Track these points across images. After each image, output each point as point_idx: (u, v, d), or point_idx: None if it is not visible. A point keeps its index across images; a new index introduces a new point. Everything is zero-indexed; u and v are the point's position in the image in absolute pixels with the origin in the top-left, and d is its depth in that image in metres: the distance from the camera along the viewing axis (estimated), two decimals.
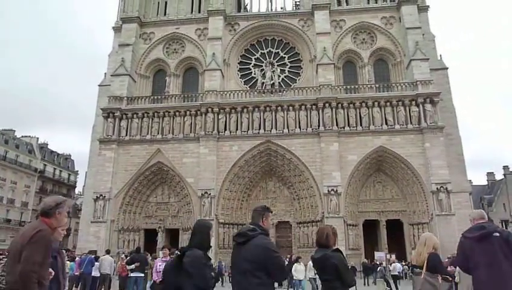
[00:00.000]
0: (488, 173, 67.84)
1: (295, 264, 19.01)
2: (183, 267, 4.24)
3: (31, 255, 3.65)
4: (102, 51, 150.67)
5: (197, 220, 5.23)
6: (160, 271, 12.32)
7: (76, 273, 18.24)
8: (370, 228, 36.74)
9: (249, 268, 4.26)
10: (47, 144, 69.19)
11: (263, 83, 41.55)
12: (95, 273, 17.86)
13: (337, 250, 5.08)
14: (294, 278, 18.72)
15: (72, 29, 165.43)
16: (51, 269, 4.13)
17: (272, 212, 4.93)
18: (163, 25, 44.77)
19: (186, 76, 44.66)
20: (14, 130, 63.78)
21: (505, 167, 61.66)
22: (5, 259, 4.01)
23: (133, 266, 15.73)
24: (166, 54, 44.29)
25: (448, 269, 8.45)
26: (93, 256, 18.79)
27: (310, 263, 17.08)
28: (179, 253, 4.54)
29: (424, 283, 5.59)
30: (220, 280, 29.27)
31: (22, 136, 65.41)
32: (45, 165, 65.95)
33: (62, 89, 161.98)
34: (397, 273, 24.32)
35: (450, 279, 6.24)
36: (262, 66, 43.25)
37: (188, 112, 39.24)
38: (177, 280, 4.26)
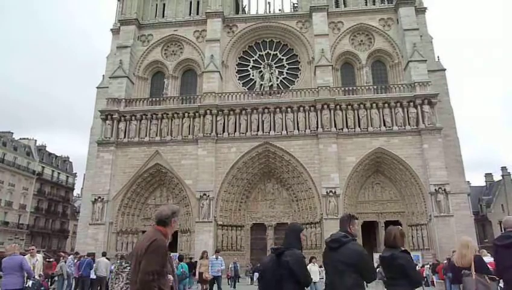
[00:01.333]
0: (486, 174, 67.97)
1: (309, 265, 17.90)
2: (285, 265, 4.72)
3: (149, 265, 3.83)
4: (100, 53, 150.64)
5: (290, 223, 5.76)
6: None
7: (75, 276, 18.18)
8: (369, 229, 36.75)
9: (344, 270, 4.71)
10: (45, 146, 69.07)
11: (261, 84, 41.60)
12: (92, 275, 17.80)
13: (405, 251, 5.35)
14: None
15: (70, 32, 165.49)
16: (170, 276, 4.27)
17: (357, 219, 5.43)
18: (162, 27, 44.78)
19: (185, 78, 44.67)
20: (12, 133, 63.62)
21: (503, 168, 61.80)
22: (129, 268, 4.19)
23: None
24: (164, 56, 44.31)
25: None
26: (91, 258, 18.71)
27: (311, 265, 17.26)
28: (273, 252, 5.07)
29: (478, 284, 5.99)
30: (237, 280, 29.63)
31: (20, 139, 65.27)
32: (43, 167, 65.85)
33: (60, 91, 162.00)
34: None
35: (497, 278, 6.59)
36: (260, 67, 43.32)
37: (186, 114, 39.24)
38: (277, 277, 4.76)
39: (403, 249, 5.34)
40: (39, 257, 12.26)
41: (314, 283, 17.54)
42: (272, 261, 4.95)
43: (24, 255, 13.31)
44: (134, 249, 4.25)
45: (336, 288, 4.82)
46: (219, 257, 17.86)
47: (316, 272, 18.08)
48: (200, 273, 16.35)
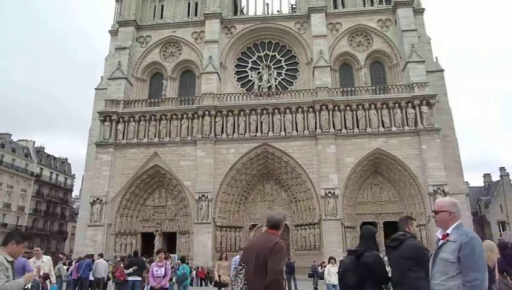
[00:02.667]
0: (484, 174, 68.09)
1: (328, 266, 16.82)
2: (365, 265, 5.17)
3: (277, 265, 4.23)
4: (99, 54, 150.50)
5: (364, 226, 5.94)
6: (159, 276, 11.71)
7: (74, 278, 18.13)
8: None
9: (406, 265, 4.95)
10: (43, 148, 68.93)
11: (260, 85, 41.60)
12: (90, 277, 17.76)
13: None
14: (327, 282, 16.22)
15: (70, 32, 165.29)
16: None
17: (414, 220, 5.85)
18: (160, 28, 44.80)
19: (183, 79, 44.69)
20: (11, 134, 63.53)
21: (502, 169, 61.87)
22: (244, 270, 4.50)
23: (130, 270, 15.66)
24: (163, 57, 44.31)
25: None
26: (90, 260, 18.66)
27: (329, 266, 16.29)
28: (351, 254, 5.54)
29: (500, 283, 6.21)
30: None
31: (18, 140, 65.14)
32: (42, 169, 65.71)
33: (59, 92, 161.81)
34: None
35: None
36: (259, 69, 43.35)
37: (185, 115, 39.24)
38: (357, 276, 5.19)
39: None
40: (46, 258, 12.10)
41: (334, 285, 16.02)
42: (352, 262, 5.40)
43: (29, 258, 13.28)
44: (249, 251, 4.60)
45: (400, 284, 5.07)
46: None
47: (335, 273, 17.32)
48: (219, 277, 14.82)
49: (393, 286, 5.31)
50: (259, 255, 4.34)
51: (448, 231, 4.06)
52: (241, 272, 4.55)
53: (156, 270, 11.61)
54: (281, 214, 4.89)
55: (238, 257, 16.05)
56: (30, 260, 12.17)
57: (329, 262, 17.06)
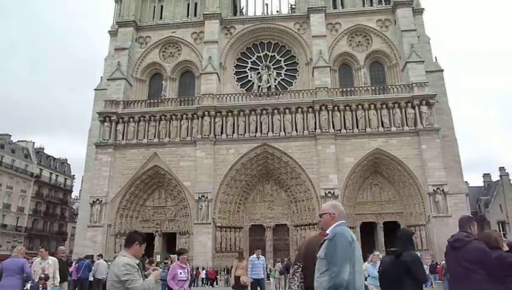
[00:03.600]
0: (484, 174, 68.03)
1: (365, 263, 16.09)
2: (404, 265, 5.47)
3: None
4: (99, 54, 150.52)
5: (402, 228, 6.20)
6: (183, 279, 10.35)
7: (74, 279, 18.11)
8: (367, 230, 36.76)
9: (470, 267, 5.05)
10: (43, 149, 68.86)
11: (259, 86, 41.62)
12: (90, 278, 17.74)
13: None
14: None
15: (69, 33, 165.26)
16: None
17: (475, 220, 5.88)
18: (159, 28, 44.80)
19: (183, 80, 44.69)
20: (10, 135, 63.45)
21: (501, 168, 61.87)
22: (300, 269, 4.73)
23: None
24: (162, 57, 44.31)
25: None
26: (90, 261, 18.66)
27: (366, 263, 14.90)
28: (390, 254, 5.88)
29: None
30: None
31: (18, 141, 65.09)
32: (41, 169, 65.61)
33: (59, 93, 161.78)
34: None
35: None
36: (258, 69, 43.35)
37: (184, 116, 39.25)
38: (396, 275, 5.50)
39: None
40: (52, 259, 12.00)
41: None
42: (391, 262, 5.74)
43: (32, 259, 13.21)
44: (306, 251, 4.80)
45: (463, 285, 5.16)
46: (261, 256, 15.24)
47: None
48: (237, 278, 13.94)
49: (452, 285, 5.57)
50: (314, 256, 4.44)
51: (328, 231, 4.29)
52: (298, 271, 4.76)
53: (180, 273, 10.33)
54: None
55: (254, 256, 14.85)
56: (36, 260, 12.13)
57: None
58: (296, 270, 4.80)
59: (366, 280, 13.77)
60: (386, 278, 5.85)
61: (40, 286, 10.79)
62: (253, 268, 14.27)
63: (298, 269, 4.77)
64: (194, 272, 30.89)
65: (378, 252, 14.36)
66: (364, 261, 17.78)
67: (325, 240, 4.20)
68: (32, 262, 11.34)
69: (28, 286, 9.99)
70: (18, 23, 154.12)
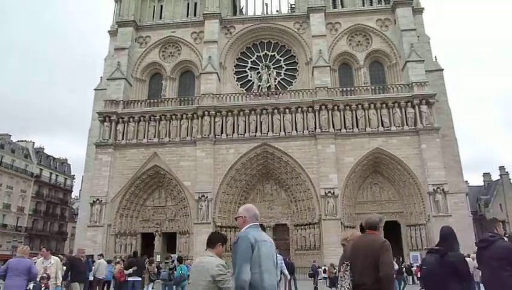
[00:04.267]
0: (484, 173, 68.22)
1: None
2: (449, 264, 5.51)
3: (389, 261, 4.81)
4: (99, 54, 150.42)
5: (445, 226, 6.24)
6: None
7: None
8: None
9: (497, 265, 5.39)
10: (43, 149, 68.88)
11: (259, 85, 41.61)
12: (90, 277, 17.73)
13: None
14: None
15: (69, 33, 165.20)
16: None
17: (501, 221, 6.32)
18: (159, 28, 44.77)
19: (183, 79, 44.67)
20: (10, 135, 63.47)
21: (501, 168, 62.01)
22: (349, 267, 5.03)
23: (130, 271, 15.68)
24: (162, 57, 44.29)
25: None
26: (90, 260, 18.67)
27: None
28: (434, 253, 5.89)
29: None
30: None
31: (18, 141, 65.10)
32: (41, 169, 65.64)
33: (58, 93, 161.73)
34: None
35: None
36: (258, 68, 43.32)
37: (184, 116, 39.24)
38: (441, 274, 5.58)
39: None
40: (54, 259, 11.98)
41: None
42: (437, 261, 5.76)
43: (34, 259, 13.17)
44: (355, 251, 5.07)
45: (492, 283, 5.46)
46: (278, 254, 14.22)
47: None
48: None
49: (484, 284, 5.78)
50: (367, 254, 4.85)
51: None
52: (347, 269, 5.06)
53: None
54: (378, 217, 5.41)
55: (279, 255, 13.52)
56: (38, 260, 12.11)
57: None
58: (345, 269, 5.08)
59: None
60: (431, 278, 5.85)
61: (43, 285, 10.80)
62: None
63: (347, 267, 5.04)
64: None
65: None
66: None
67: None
68: (35, 262, 11.32)
69: (31, 285, 9.99)
70: (18, 23, 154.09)
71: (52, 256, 12.14)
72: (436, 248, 5.87)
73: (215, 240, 5.02)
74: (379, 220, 5.32)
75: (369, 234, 5.19)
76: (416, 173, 35.13)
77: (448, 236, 5.97)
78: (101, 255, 20.49)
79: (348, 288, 4.95)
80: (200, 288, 4.55)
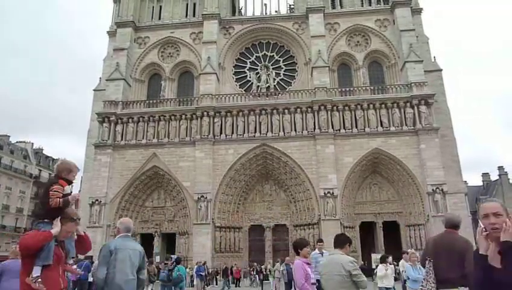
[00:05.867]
0: (483, 173, 68.34)
1: (380, 266, 13.60)
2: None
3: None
4: (98, 55, 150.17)
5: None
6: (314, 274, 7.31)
7: (73, 279, 18.07)
8: (366, 229, 36.80)
9: None
10: (42, 149, 68.87)
11: (258, 86, 41.64)
12: (89, 279, 17.69)
13: None
14: (381, 285, 13.36)
15: (68, 34, 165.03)
16: None
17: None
18: (158, 29, 44.76)
19: (182, 80, 44.65)
20: (9, 136, 63.44)
21: (500, 168, 62.09)
22: (431, 263, 5.22)
23: None
24: (161, 58, 44.28)
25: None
26: (89, 261, 18.62)
27: (382, 267, 13.41)
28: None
29: None
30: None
31: (17, 142, 65.05)
32: (40, 170, 65.57)
33: (57, 94, 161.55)
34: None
35: None
36: (257, 69, 43.34)
37: (183, 116, 39.22)
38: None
39: None
40: None
41: (388, 289, 13.21)
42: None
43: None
44: (438, 249, 5.28)
45: None
46: (324, 250, 11.21)
47: (392, 275, 13.56)
48: None
49: None
50: (452, 251, 5.11)
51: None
52: (431, 267, 5.28)
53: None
54: (459, 217, 5.64)
55: (316, 251, 11.36)
56: None
57: (381, 262, 13.71)
58: (429, 267, 5.30)
59: (405, 282, 12.75)
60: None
61: None
62: (316, 267, 9.25)
63: (430, 263, 5.30)
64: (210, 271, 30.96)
65: (412, 250, 13.14)
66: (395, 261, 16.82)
67: None
68: None
69: None
70: (18, 23, 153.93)
71: None
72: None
73: (344, 241, 5.80)
74: (460, 219, 5.56)
75: (450, 233, 5.40)
76: (416, 173, 35.15)
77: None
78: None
79: (433, 283, 5.21)
80: (335, 280, 5.36)
